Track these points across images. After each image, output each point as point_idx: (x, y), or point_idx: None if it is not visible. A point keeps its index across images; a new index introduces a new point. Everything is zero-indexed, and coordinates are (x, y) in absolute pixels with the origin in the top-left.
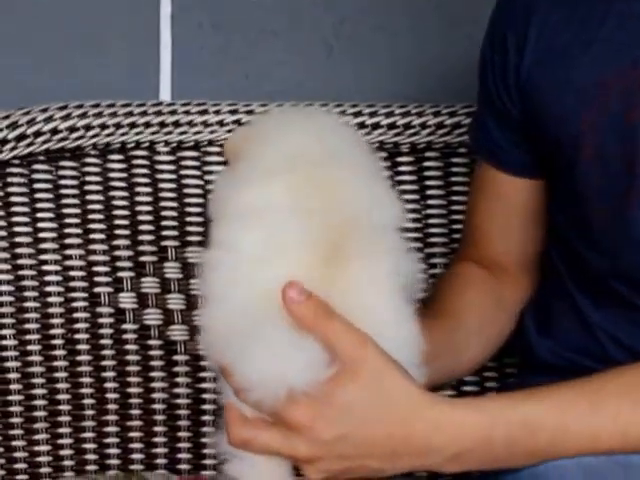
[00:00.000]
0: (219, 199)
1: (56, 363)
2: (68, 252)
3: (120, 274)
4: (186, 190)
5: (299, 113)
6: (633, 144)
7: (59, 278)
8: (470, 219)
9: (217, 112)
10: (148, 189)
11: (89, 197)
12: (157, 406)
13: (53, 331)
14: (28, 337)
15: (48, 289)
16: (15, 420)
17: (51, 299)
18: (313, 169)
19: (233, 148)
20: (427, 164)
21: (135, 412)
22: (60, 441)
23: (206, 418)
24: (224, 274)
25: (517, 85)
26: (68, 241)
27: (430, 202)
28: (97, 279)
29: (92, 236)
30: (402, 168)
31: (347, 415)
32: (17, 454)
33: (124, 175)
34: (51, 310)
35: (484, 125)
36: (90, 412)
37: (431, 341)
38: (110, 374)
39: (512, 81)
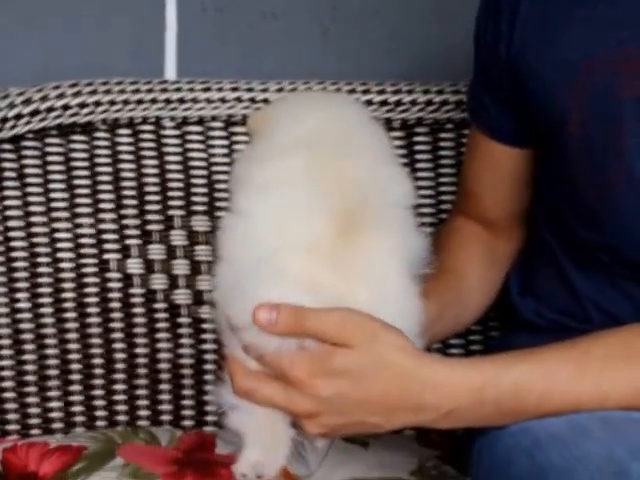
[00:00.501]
0: (241, 171)
1: (68, 325)
2: (79, 221)
3: (128, 241)
4: (190, 163)
5: (317, 95)
6: (618, 121)
7: (70, 245)
8: (464, 181)
9: (219, 89)
10: (155, 162)
11: (99, 169)
12: (162, 365)
13: (65, 295)
14: (41, 300)
15: (60, 255)
16: (29, 378)
17: (63, 265)
18: (329, 147)
19: (255, 126)
20: (417, 139)
21: (142, 371)
22: (71, 398)
23: (208, 377)
24: (240, 236)
25: (508, 57)
26: (79, 210)
27: (420, 174)
28: (106, 246)
29: (101, 206)
30: (394, 142)
31: (344, 375)
32: (31, 410)
33: (132, 149)
34: (63, 275)
35: (478, 95)
36: (99, 371)
37: (438, 299)
38: (118, 335)
39: (504, 53)
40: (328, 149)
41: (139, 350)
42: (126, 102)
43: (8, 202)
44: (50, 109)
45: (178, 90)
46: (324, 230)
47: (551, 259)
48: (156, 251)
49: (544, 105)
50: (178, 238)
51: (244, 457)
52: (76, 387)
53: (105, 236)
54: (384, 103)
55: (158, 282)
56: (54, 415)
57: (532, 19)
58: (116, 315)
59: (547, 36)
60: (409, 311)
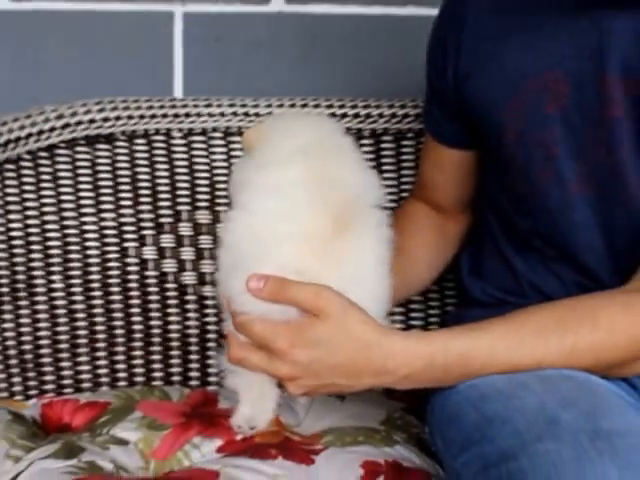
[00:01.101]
0: (241, 177)
1: (94, 301)
2: (103, 215)
3: (144, 232)
4: (195, 167)
5: (302, 115)
6: (547, 132)
7: (96, 235)
8: (420, 174)
9: (219, 105)
10: (165, 166)
11: (119, 173)
12: (172, 335)
13: (92, 277)
14: (72, 281)
15: (88, 244)
16: (62, 346)
17: (90, 252)
18: (320, 157)
19: (249, 141)
20: (383, 146)
21: (156, 340)
22: (98, 362)
23: (211, 345)
24: (241, 227)
25: (454, 80)
26: (103, 207)
27: (386, 175)
28: (126, 236)
29: (122, 203)
30: (364, 149)
31: (318, 344)
32: (64, 372)
33: (147, 155)
34: (90, 260)
35: (430, 109)
36: (121, 340)
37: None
38: (136, 310)
39: (451, 77)
40: (319, 158)
41: (153, 322)
42: (142, 117)
43: (45, 200)
44: (78, 123)
45: (184, 106)
46: (314, 225)
47: (494, 244)
48: (167, 240)
49: (485, 118)
50: (185, 229)
51: (238, 412)
52: (101, 353)
53: (125, 228)
54: (356, 115)
55: (169, 266)
56: (83, 376)
57: (474, 49)
58: (134, 293)
59: (487, 62)
60: (381, 296)
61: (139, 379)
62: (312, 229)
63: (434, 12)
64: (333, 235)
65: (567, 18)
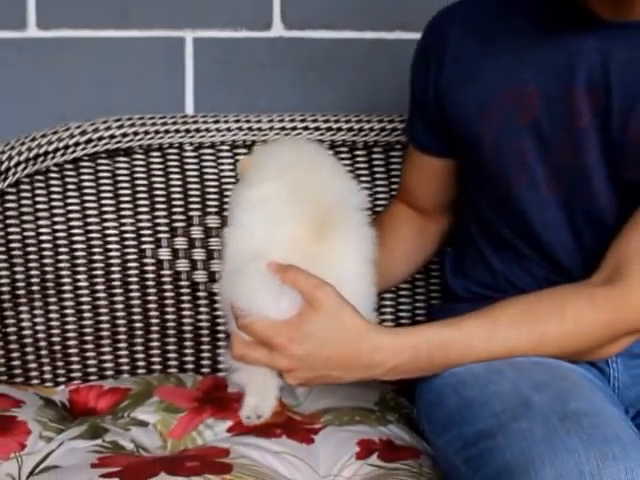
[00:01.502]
0: (233, 197)
1: (115, 298)
2: (123, 221)
3: (159, 235)
4: (205, 177)
5: (285, 141)
6: (521, 141)
7: (117, 239)
8: (403, 179)
9: (226, 121)
10: (179, 176)
11: (137, 182)
12: (186, 327)
13: (113, 275)
14: (96, 280)
15: (109, 246)
16: (87, 338)
17: (111, 253)
18: (300, 173)
19: (242, 168)
20: (374, 156)
21: (171, 332)
22: (119, 352)
23: (221, 336)
24: (237, 242)
25: (435, 93)
26: (123, 213)
27: (377, 182)
28: (143, 239)
29: (139, 209)
30: (358, 159)
31: (312, 338)
32: (89, 361)
33: (161, 167)
34: (112, 261)
35: (413, 122)
36: (139, 332)
37: None
38: (153, 305)
39: (432, 90)
40: (298, 173)
41: (168, 316)
42: (157, 132)
43: (70, 208)
44: (100, 138)
45: (195, 122)
46: (297, 232)
47: (474, 244)
48: (180, 242)
49: (464, 129)
50: (197, 232)
51: (245, 403)
52: (122, 344)
53: (142, 232)
54: (350, 129)
55: (182, 265)
56: (106, 365)
57: (454, 66)
58: (151, 290)
59: (465, 78)
60: (365, 293)
61: (156, 367)
62: (295, 236)
63: (419, 36)
64: (315, 240)
65: (538, 40)
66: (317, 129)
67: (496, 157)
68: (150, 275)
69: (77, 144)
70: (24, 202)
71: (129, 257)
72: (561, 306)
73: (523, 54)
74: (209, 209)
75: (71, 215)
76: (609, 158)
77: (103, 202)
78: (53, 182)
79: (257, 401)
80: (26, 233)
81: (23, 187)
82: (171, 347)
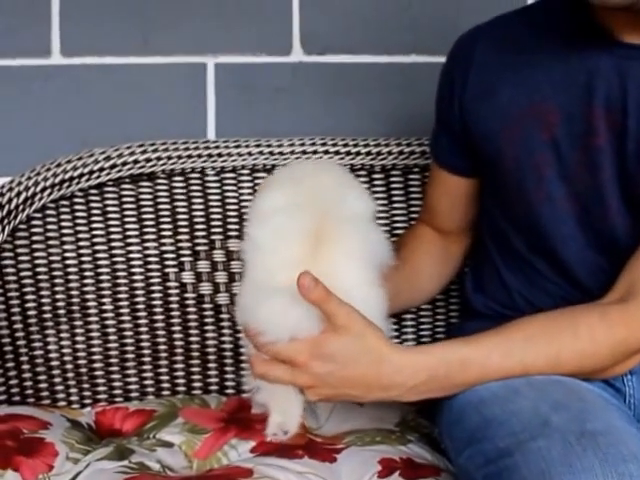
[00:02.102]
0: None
1: (140, 321)
2: (147, 245)
3: (183, 259)
4: (227, 200)
5: (302, 162)
6: (540, 156)
7: (141, 262)
8: (426, 200)
9: (247, 146)
10: (201, 200)
11: (160, 207)
12: (210, 349)
13: (137, 299)
14: (120, 303)
15: (133, 270)
16: (113, 360)
17: (135, 277)
18: (301, 183)
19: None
20: (393, 179)
21: (195, 354)
22: (144, 374)
23: (244, 357)
24: (248, 259)
25: (460, 111)
26: (146, 237)
27: (395, 205)
28: (167, 262)
29: (163, 233)
30: (376, 182)
31: (334, 358)
32: (115, 383)
33: (184, 191)
34: (136, 284)
35: (438, 139)
36: (164, 354)
37: (395, 283)
38: (177, 328)
39: (457, 108)
40: (305, 185)
41: (192, 338)
42: (179, 157)
43: (95, 232)
44: (124, 163)
45: (217, 147)
46: (303, 247)
47: (491, 262)
48: (203, 265)
49: (486, 145)
50: (219, 256)
51: (271, 422)
52: (147, 366)
53: (166, 255)
54: (368, 153)
55: (205, 288)
56: (132, 387)
57: (478, 83)
58: (175, 313)
59: (488, 96)
60: (374, 300)
61: (181, 388)
62: (298, 249)
63: (434, 59)
64: (317, 249)
65: (559, 58)
66: (337, 153)
67: (516, 172)
68: (174, 298)
69: (101, 169)
70: (50, 227)
71: (153, 280)
72: (574, 324)
73: (544, 71)
74: (231, 232)
75: (96, 239)
76: (623, 178)
77: (127, 226)
78: (78, 207)
79: (282, 417)
80: (52, 258)
81: (49, 212)
82: (195, 369)
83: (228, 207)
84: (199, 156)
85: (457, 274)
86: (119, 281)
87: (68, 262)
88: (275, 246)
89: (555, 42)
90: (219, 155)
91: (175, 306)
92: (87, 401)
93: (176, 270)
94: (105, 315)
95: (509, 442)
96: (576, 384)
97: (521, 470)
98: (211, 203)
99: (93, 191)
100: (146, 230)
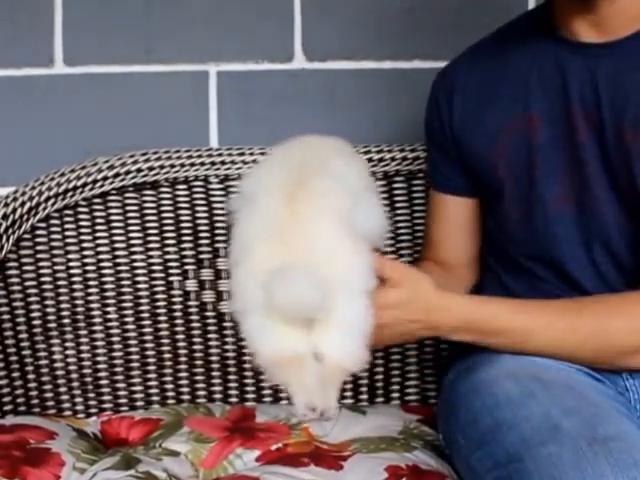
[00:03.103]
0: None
1: (144, 329)
2: (151, 253)
3: (186, 267)
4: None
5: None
6: (529, 160)
7: (145, 271)
8: (427, 233)
9: (250, 153)
10: (205, 208)
11: (164, 215)
12: (213, 358)
13: (142, 307)
14: (125, 312)
15: (137, 279)
16: (118, 369)
17: (140, 285)
18: (297, 149)
19: None
20: (396, 186)
21: (198, 362)
22: (149, 383)
23: (246, 366)
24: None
25: (451, 133)
26: (150, 246)
27: (398, 212)
28: (170, 271)
29: (166, 242)
30: (379, 189)
31: (396, 306)
32: (120, 392)
33: (187, 199)
34: (140, 293)
35: (434, 163)
36: (168, 362)
37: None
38: (181, 336)
39: (447, 130)
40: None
41: (196, 347)
42: (182, 165)
43: (99, 241)
44: (127, 172)
45: (220, 155)
46: (277, 216)
47: (493, 273)
48: (207, 274)
49: (480, 159)
50: (223, 264)
51: (296, 402)
52: (152, 375)
53: (170, 264)
54: (371, 160)
55: (208, 296)
56: (137, 396)
57: (463, 106)
58: (179, 321)
59: (473, 119)
60: (357, 262)
61: (185, 397)
62: (276, 221)
63: (437, 65)
64: (293, 217)
65: (536, 66)
66: None
67: (509, 180)
68: (177, 306)
69: (105, 178)
70: (54, 236)
71: (157, 289)
72: (613, 308)
73: (522, 82)
74: None
75: (100, 248)
76: (608, 170)
77: (131, 235)
78: (82, 216)
79: (306, 396)
80: (56, 267)
81: (53, 222)
82: (199, 377)
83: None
84: (202, 164)
85: None
86: (123, 290)
87: (72, 271)
88: (256, 193)
89: (528, 53)
90: (222, 163)
91: (179, 314)
92: (92, 410)
93: (180, 278)
94: (109, 324)
95: (519, 447)
96: (588, 390)
97: (532, 476)
98: (215, 211)
99: (97, 200)
100: (150, 239)
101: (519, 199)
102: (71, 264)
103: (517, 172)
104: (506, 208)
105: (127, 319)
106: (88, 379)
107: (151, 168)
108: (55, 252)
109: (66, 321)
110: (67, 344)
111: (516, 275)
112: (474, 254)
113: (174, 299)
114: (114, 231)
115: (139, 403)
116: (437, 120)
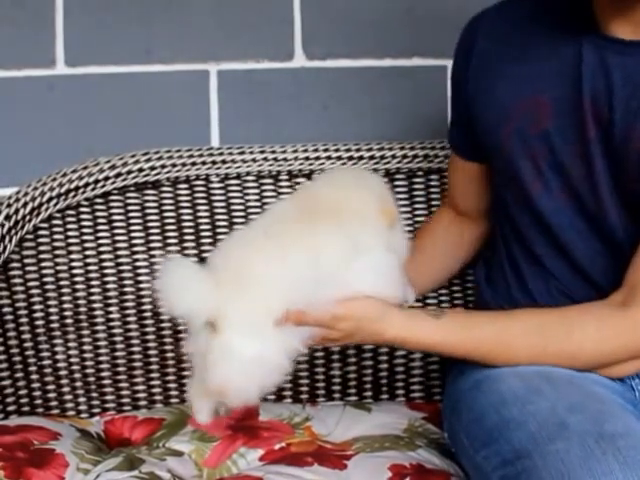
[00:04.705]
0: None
1: (147, 329)
2: (153, 252)
3: None
4: (232, 207)
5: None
6: (534, 149)
7: (147, 270)
8: (448, 184)
9: (251, 152)
10: (206, 207)
11: (165, 214)
12: None
13: (144, 307)
14: (127, 312)
15: (140, 278)
16: (120, 369)
17: (142, 285)
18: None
19: None
20: (397, 183)
21: None
22: (152, 382)
23: None
24: None
25: (465, 100)
26: (152, 245)
27: (399, 210)
28: None
29: (168, 241)
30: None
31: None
32: (123, 392)
33: (189, 198)
34: (142, 292)
35: (452, 126)
36: (171, 361)
37: (408, 270)
38: (184, 335)
39: (463, 96)
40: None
41: None
42: (184, 164)
43: (101, 241)
44: (129, 172)
45: (221, 154)
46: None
47: (509, 257)
48: None
49: (487, 139)
50: None
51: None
52: (155, 374)
53: None
54: (372, 157)
55: None
56: (140, 395)
57: (476, 77)
58: (181, 320)
59: (485, 89)
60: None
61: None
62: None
63: (437, 62)
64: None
65: (553, 47)
66: (339, 158)
67: (513, 165)
68: None
69: (107, 178)
70: (56, 237)
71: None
72: (570, 326)
73: (537, 62)
74: None
75: (102, 248)
76: (614, 170)
77: (133, 235)
78: (84, 216)
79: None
80: (59, 267)
81: (55, 222)
82: None
83: (233, 214)
84: (203, 163)
85: (471, 260)
86: (125, 289)
87: (75, 271)
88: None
89: (547, 32)
90: (223, 162)
91: None
92: (96, 410)
93: None
94: (112, 324)
95: (527, 443)
96: (594, 387)
97: (540, 473)
98: (216, 210)
99: (99, 200)
100: (152, 238)
101: (523, 184)
102: (73, 264)
103: (521, 158)
104: (512, 189)
105: (130, 319)
106: (91, 379)
107: (152, 167)
108: (57, 252)
109: (69, 321)
110: (70, 344)
111: (526, 264)
112: (486, 204)
113: None
114: (116, 231)
115: (142, 403)
116: (456, 84)
